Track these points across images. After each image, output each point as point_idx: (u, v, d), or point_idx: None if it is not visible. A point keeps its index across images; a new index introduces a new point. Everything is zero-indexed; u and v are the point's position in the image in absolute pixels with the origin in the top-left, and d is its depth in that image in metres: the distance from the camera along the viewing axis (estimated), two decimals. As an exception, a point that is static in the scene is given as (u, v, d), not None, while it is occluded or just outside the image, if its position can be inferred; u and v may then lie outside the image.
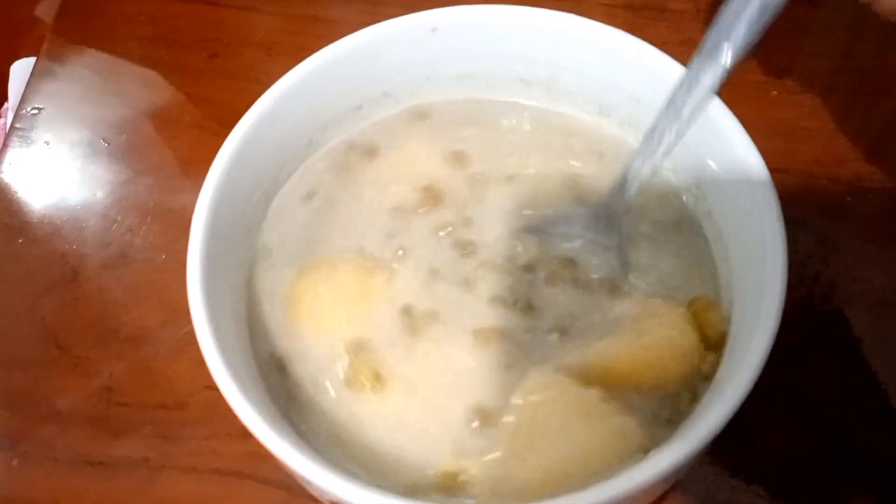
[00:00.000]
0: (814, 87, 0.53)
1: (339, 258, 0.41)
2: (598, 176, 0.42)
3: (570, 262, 0.40)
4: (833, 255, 0.47)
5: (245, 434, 0.32)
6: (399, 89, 0.45)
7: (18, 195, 0.52)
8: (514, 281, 0.40)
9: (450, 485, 0.35)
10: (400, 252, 0.41)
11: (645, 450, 0.34)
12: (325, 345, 0.39)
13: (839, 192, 0.49)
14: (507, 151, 0.44)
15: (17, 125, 0.54)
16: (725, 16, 0.35)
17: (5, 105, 0.65)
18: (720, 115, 0.38)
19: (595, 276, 0.40)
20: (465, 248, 0.41)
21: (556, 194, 0.42)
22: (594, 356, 0.37)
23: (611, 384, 0.36)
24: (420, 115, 0.45)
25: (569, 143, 0.44)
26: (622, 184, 0.39)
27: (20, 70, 0.62)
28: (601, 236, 0.40)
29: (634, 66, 0.41)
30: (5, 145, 0.54)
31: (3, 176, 0.53)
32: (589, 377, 0.36)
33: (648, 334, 0.37)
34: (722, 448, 0.42)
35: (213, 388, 0.33)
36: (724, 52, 0.35)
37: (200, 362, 0.33)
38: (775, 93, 0.52)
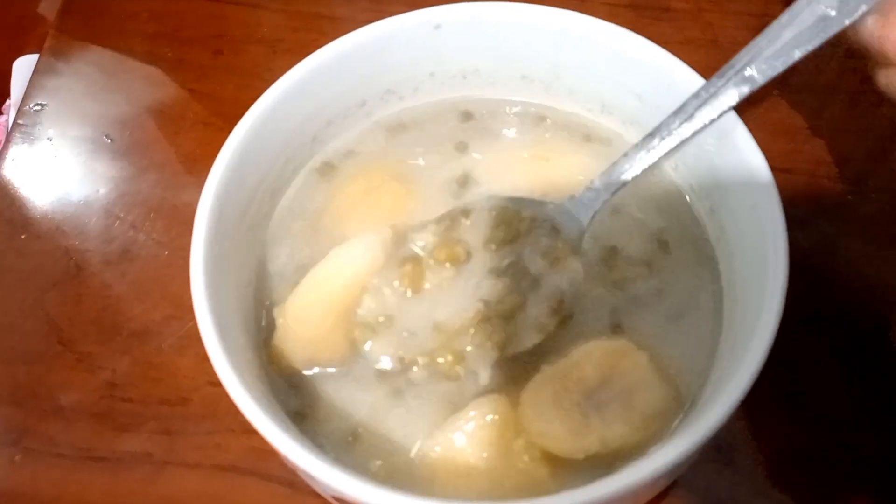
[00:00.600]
0: (817, 87, 0.53)
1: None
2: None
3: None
4: (834, 254, 0.47)
5: (249, 430, 0.32)
6: (402, 86, 0.45)
7: (21, 191, 0.52)
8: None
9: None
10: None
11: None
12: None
13: (841, 192, 0.49)
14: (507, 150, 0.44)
15: (20, 121, 0.54)
16: (759, 42, 0.37)
17: (7, 101, 0.65)
18: (724, 114, 0.38)
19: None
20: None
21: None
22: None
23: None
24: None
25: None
26: (608, 174, 0.40)
27: (23, 66, 0.62)
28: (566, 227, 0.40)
29: (637, 64, 0.41)
30: (8, 142, 0.54)
31: (5, 172, 0.53)
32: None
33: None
34: (722, 446, 0.42)
35: (216, 383, 0.33)
36: (750, 77, 0.37)
37: (204, 358, 0.33)
38: (777, 93, 0.52)
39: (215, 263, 0.36)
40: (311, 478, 0.32)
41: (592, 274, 0.40)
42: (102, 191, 0.52)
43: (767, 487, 0.42)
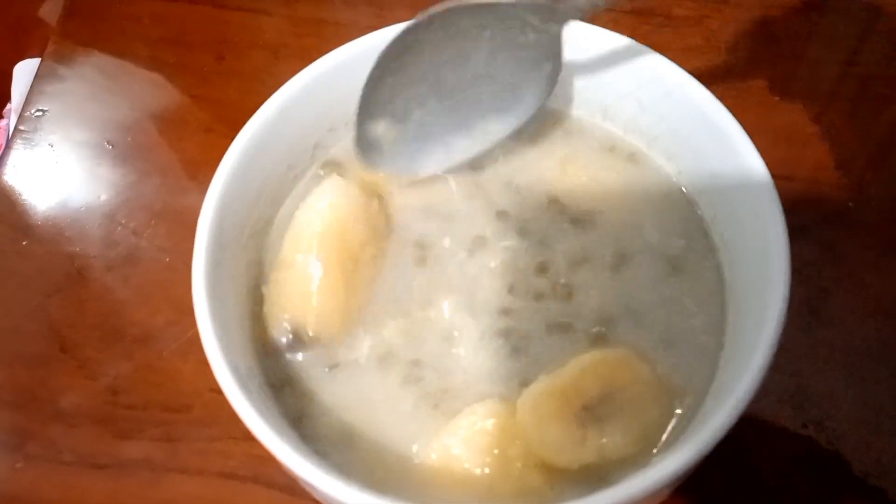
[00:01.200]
0: (817, 93, 0.53)
1: None
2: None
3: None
4: (835, 261, 0.47)
5: (250, 437, 0.32)
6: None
7: (23, 197, 0.52)
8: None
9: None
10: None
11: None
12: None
13: (842, 199, 0.50)
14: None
15: (21, 127, 0.55)
16: None
17: (8, 105, 0.65)
18: (725, 121, 0.38)
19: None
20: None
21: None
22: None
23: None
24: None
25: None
26: None
27: (24, 71, 0.62)
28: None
29: (639, 71, 0.41)
30: (9, 148, 0.54)
31: (7, 178, 0.53)
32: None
33: None
34: (724, 450, 0.42)
35: (218, 390, 0.33)
36: None
37: (206, 364, 0.33)
38: (778, 99, 0.53)
39: (217, 269, 0.36)
40: (310, 485, 0.32)
41: (594, 282, 0.40)
42: (104, 196, 0.52)
43: (769, 491, 0.42)
